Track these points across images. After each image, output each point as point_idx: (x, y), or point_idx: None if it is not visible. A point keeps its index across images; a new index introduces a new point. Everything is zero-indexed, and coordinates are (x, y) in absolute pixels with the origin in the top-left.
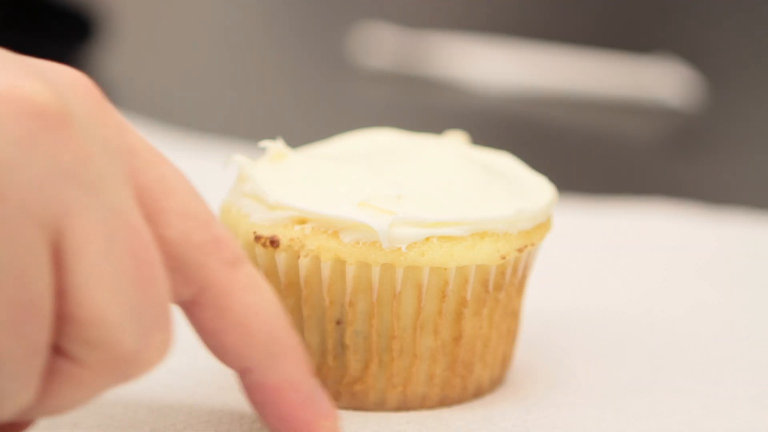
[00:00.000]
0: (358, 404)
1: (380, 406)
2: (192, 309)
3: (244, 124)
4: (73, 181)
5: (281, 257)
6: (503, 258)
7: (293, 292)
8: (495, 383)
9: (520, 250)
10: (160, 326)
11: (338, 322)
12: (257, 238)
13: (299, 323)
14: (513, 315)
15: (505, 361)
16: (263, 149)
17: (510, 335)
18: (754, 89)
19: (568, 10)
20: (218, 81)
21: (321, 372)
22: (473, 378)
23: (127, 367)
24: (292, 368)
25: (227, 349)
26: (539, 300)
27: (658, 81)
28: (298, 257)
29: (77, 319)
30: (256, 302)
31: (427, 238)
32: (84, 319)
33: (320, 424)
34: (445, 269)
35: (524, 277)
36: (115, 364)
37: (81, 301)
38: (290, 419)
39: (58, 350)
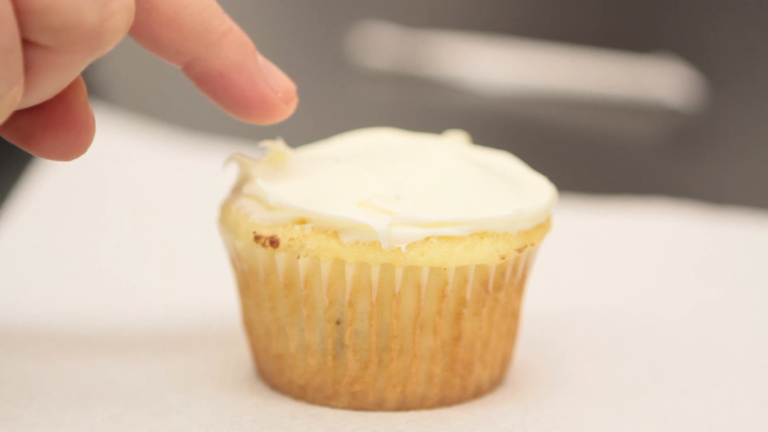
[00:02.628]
0: (358, 404)
1: (380, 406)
2: None
3: (244, 124)
4: None
5: (281, 257)
6: (503, 258)
7: (293, 292)
8: (495, 383)
9: (519, 250)
10: None
11: (338, 322)
12: (257, 238)
13: (299, 323)
14: (513, 315)
15: (505, 361)
16: (263, 149)
17: (510, 335)
18: (754, 89)
19: (568, 10)
20: None
21: (321, 372)
22: (473, 378)
23: (95, 41)
24: (231, 51)
25: (164, 46)
26: (539, 300)
27: (658, 81)
28: (298, 257)
29: (35, 10)
30: None
31: (427, 238)
32: (41, 8)
33: (273, 98)
34: (445, 269)
35: (524, 277)
36: (82, 40)
37: None
38: (243, 99)
39: (28, 44)
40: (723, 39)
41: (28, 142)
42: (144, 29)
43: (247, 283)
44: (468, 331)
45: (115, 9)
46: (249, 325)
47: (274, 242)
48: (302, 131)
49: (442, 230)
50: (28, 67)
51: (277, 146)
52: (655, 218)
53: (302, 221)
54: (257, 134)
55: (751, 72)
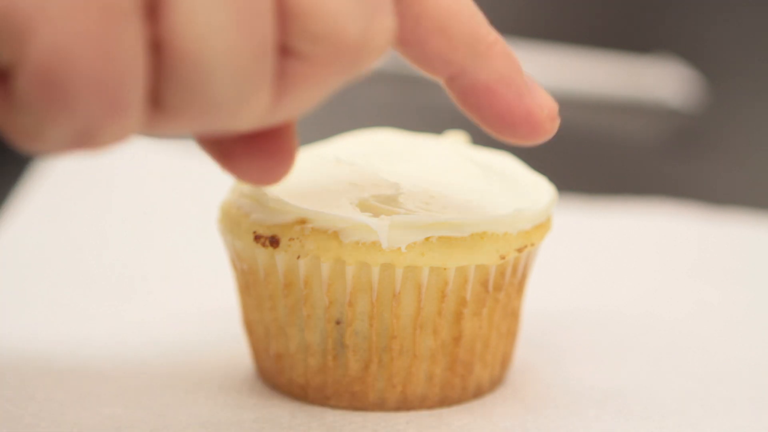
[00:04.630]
0: (358, 404)
1: (380, 406)
2: None
3: None
4: None
5: (281, 257)
6: (503, 258)
7: (293, 292)
8: (495, 383)
9: (519, 251)
10: (382, 11)
11: (338, 322)
12: (257, 238)
13: (299, 323)
14: (513, 315)
15: (505, 361)
16: None
17: (510, 335)
18: (754, 89)
19: (568, 10)
20: None
21: (321, 372)
22: (473, 378)
23: (354, 57)
24: (498, 64)
25: (431, 56)
26: (539, 300)
27: (658, 81)
28: (298, 257)
29: (299, 14)
30: (451, 4)
31: (427, 239)
32: (305, 13)
33: (540, 114)
34: (445, 269)
35: (524, 277)
36: (341, 55)
37: None
38: (508, 114)
39: (285, 51)
40: (723, 39)
41: (224, 160)
42: (412, 37)
43: (247, 283)
44: (468, 331)
45: (378, 27)
46: (249, 325)
47: (274, 242)
48: (302, 131)
49: (442, 230)
50: (281, 77)
51: None
52: (655, 218)
53: (302, 221)
54: None
55: (751, 72)
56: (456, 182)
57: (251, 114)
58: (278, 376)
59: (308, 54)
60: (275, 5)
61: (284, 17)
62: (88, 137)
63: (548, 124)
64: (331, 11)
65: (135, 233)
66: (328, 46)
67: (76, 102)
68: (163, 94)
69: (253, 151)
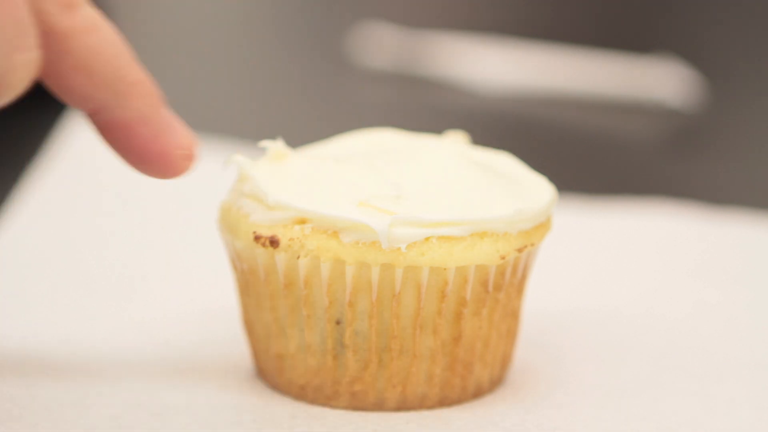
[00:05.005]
0: (358, 404)
1: (380, 406)
2: None
3: (244, 124)
4: None
5: (281, 257)
6: (503, 258)
7: (293, 292)
8: (495, 383)
9: (519, 250)
10: (22, 47)
11: (338, 322)
12: (257, 238)
13: (299, 323)
14: (513, 315)
15: (505, 361)
16: (263, 149)
17: (510, 335)
18: (754, 89)
19: (568, 10)
20: (218, 81)
21: (321, 372)
22: (473, 378)
23: None
24: (139, 104)
25: (71, 91)
26: (539, 300)
27: (658, 81)
28: (298, 257)
29: None
30: (95, 43)
31: (427, 238)
32: None
33: (174, 154)
34: (445, 269)
35: (524, 277)
36: None
37: None
38: (144, 153)
39: None
40: (723, 39)
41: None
42: (53, 72)
43: (247, 283)
44: (468, 331)
45: (19, 63)
46: (249, 325)
47: (274, 242)
48: (302, 131)
49: (442, 230)
50: None
51: (277, 146)
52: (655, 218)
53: (302, 221)
54: (257, 134)
55: (751, 72)
56: (456, 182)
57: None
58: (278, 376)
59: None
60: None
61: None
62: None
63: (181, 162)
64: None
65: (135, 233)
66: None
67: None
68: None
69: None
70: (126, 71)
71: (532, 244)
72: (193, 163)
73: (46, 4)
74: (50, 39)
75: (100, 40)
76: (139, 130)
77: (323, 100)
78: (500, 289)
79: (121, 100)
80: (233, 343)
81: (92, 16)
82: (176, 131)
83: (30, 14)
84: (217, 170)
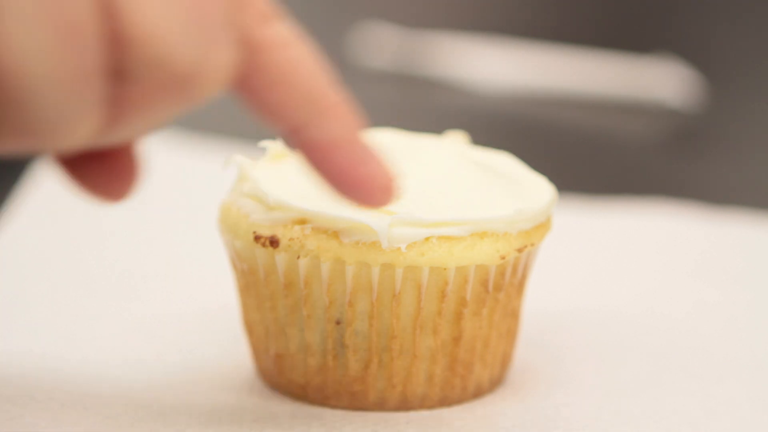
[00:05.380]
0: (358, 404)
1: (380, 406)
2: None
3: (244, 124)
4: None
5: (281, 257)
6: (503, 258)
7: (293, 292)
8: (495, 383)
9: (519, 250)
10: (218, 42)
11: (338, 322)
12: (257, 238)
13: (299, 323)
14: (513, 315)
15: (505, 361)
16: (263, 149)
17: (510, 335)
18: (754, 89)
19: (568, 10)
20: None
21: (321, 372)
22: (473, 378)
23: (187, 86)
24: (336, 127)
25: (269, 108)
26: (539, 300)
27: (658, 81)
28: (298, 257)
29: (131, 39)
30: (292, 59)
31: (427, 238)
32: (138, 38)
33: (371, 185)
34: (445, 269)
35: (524, 277)
36: (174, 82)
37: (133, 18)
38: (342, 177)
39: (119, 75)
40: (723, 39)
41: (72, 176)
42: (250, 86)
43: (247, 283)
44: (468, 331)
45: (214, 59)
46: (249, 325)
47: (274, 242)
48: None
49: (442, 230)
50: (114, 102)
51: (277, 146)
52: (655, 218)
53: (302, 221)
54: (257, 134)
55: (751, 72)
56: (456, 182)
57: (77, 135)
58: (278, 376)
59: (140, 79)
60: (106, 29)
61: (117, 42)
62: None
63: (380, 195)
64: (164, 37)
65: (135, 233)
66: (159, 72)
67: None
68: None
69: (97, 169)
70: (324, 90)
71: (532, 244)
72: (393, 199)
73: (245, 14)
74: (248, 51)
75: (298, 55)
76: (337, 154)
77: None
78: (500, 289)
79: (319, 120)
80: (233, 343)
81: (289, 31)
82: (372, 162)
83: (229, 14)
84: (217, 170)
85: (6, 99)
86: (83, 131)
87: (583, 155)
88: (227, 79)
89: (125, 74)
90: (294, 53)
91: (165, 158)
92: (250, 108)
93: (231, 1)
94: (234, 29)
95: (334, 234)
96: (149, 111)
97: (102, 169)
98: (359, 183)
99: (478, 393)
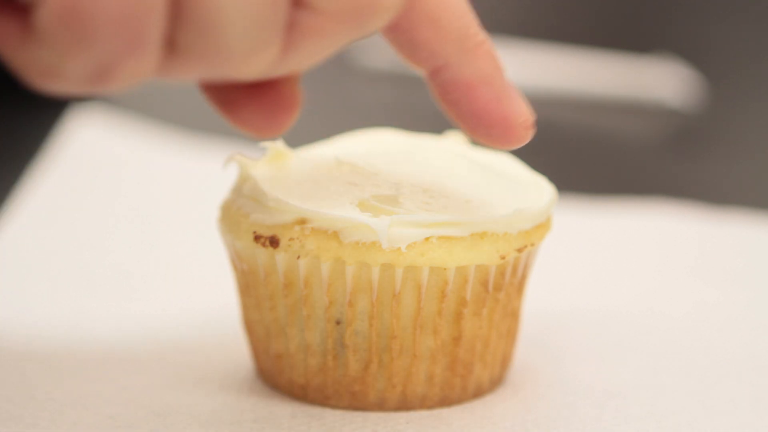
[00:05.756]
0: (358, 404)
1: (380, 406)
2: None
3: None
4: None
5: (281, 257)
6: (503, 258)
7: (293, 291)
8: (495, 383)
9: (519, 250)
10: None
11: (338, 322)
12: (257, 238)
13: (299, 323)
14: (513, 315)
15: (505, 361)
16: (263, 149)
17: (510, 335)
18: (754, 89)
19: (568, 10)
20: None
21: (321, 372)
22: (473, 378)
23: (365, 14)
24: (484, 63)
25: (420, 46)
26: (539, 300)
27: (658, 81)
28: (298, 257)
29: None
30: None
31: (427, 238)
32: None
33: (515, 120)
34: (445, 269)
35: (524, 277)
36: (353, 10)
37: None
38: (485, 114)
39: (298, 3)
40: (723, 39)
41: (226, 108)
42: (403, 24)
43: (247, 283)
44: (468, 331)
45: None
46: (249, 325)
47: (274, 242)
48: (302, 131)
49: (442, 230)
50: (291, 29)
51: (277, 146)
52: (655, 218)
53: (302, 221)
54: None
55: (751, 72)
56: (456, 182)
57: (260, 63)
58: (278, 376)
59: (321, 7)
60: None
61: None
62: (105, 74)
63: (522, 131)
64: None
65: (135, 233)
66: (340, 0)
67: (97, 36)
68: (179, 38)
69: (256, 101)
70: (473, 29)
71: (532, 244)
72: (531, 134)
73: None
74: None
75: None
76: (483, 90)
77: (323, 100)
78: (500, 289)
79: (467, 57)
80: (233, 343)
81: None
82: (518, 99)
83: None
84: (217, 170)
85: (200, 25)
86: (266, 58)
87: (583, 155)
88: (399, 8)
89: (305, 2)
90: None
91: (165, 158)
92: (398, 47)
93: None
94: None
95: (334, 234)
96: (324, 39)
97: (261, 103)
98: (501, 120)
99: (478, 393)
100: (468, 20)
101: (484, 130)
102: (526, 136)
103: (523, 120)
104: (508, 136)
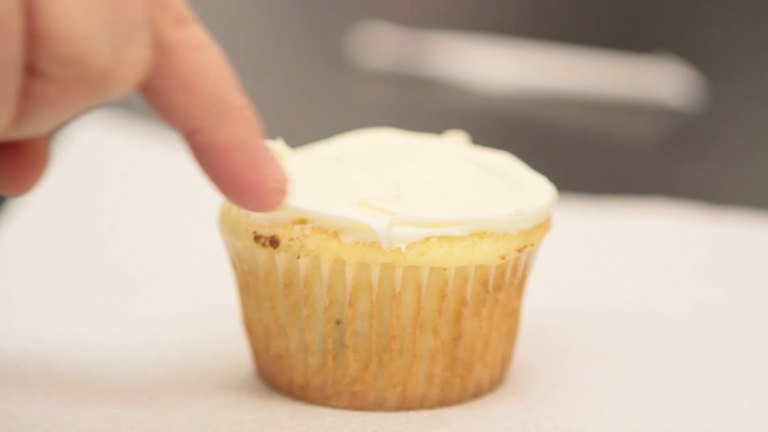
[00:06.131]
0: (358, 404)
1: (380, 406)
2: None
3: None
4: None
5: (281, 257)
6: (503, 258)
7: (293, 291)
8: (495, 383)
9: (519, 250)
10: (133, 42)
11: (338, 322)
12: (257, 238)
13: (299, 323)
14: (513, 315)
15: (505, 361)
16: None
17: (510, 335)
18: (754, 89)
19: (568, 10)
20: None
21: (321, 372)
22: (473, 378)
23: (100, 84)
24: (238, 129)
25: (173, 109)
26: (539, 300)
27: (658, 81)
28: (298, 257)
29: (48, 36)
30: (202, 62)
31: (427, 238)
32: (55, 35)
33: (268, 186)
34: (445, 269)
35: (524, 277)
36: (87, 80)
37: (51, 16)
38: (238, 179)
39: (31, 70)
40: (723, 39)
41: None
42: (156, 87)
43: (247, 283)
44: (468, 331)
45: (128, 58)
46: (249, 325)
47: (274, 242)
48: (302, 131)
49: (442, 230)
50: (25, 97)
51: (277, 146)
52: (655, 218)
53: (302, 221)
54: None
55: (751, 72)
56: (456, 182)
57: None
58: (278, 376)
59: (54, 76)
60: (23, 24)
61: (33, 37)
62: None
63: (274, 197)
64: (81, 36)
65: (135, 233)
66: (74, 70)
67: None
68: None
69: (2, 162)
70: (229, 94)
71: (532, 244)
72: (284, 201)
73: (159, 16)
74: (158, 52)
75: (206, 59)
76: (236, 156)
77: (323, 100)
78: (500, 289)
79: (222, 123)
80: (233, 343)
81: (201, 34)
82: (271, 163)
83: (145, 15)
84: None
85: None
86: None
87: (583, 155)
88: (139, 78)
89: (39, 70)
90: (202, 56)
91: (165, 158)
92: (152, 108)
93: (148, 1)
94: (149, 29)
95: (334, 234)
96: (60, 106)
97: (7, 161)
98: (254, 185)
99: (478, 393)
100: (225, 85)
101: (237, 194)
102: (279, 201)
103: (276, 185)
104: (260, 200)
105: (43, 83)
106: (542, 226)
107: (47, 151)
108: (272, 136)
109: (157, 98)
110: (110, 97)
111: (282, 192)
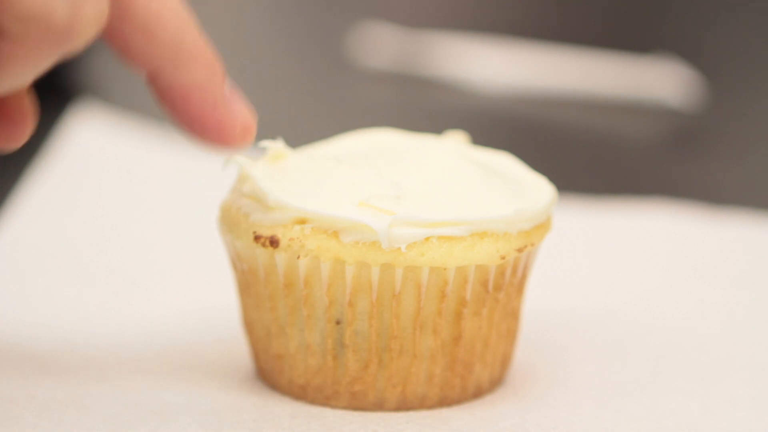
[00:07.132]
0: (358, 404)
1: (379, 406)
2: None
3: None
4: None
5: (281, 257)
6: (503, 258)
7: (293, 291)
8: (494, 383)
9: (519, 250)
10: None
11: (338, 322)
12: (257, 238)
13: (299, 323)
14: (513, 315)
15: (505, 361)
16: (263, 149)
17: (510, 335)
18: (754, 89)
19: (568, 10)
20: None
21: (321, 372)
22: (473, 378)
23: (61, 39)
24: (197, 71)
25: (132, 53)
26: (539, 300)
27: (658, 81)
28: (298, 257)
29: None
30: (159, 8)
31: (427, 238)
32: None
33: (231, 125)
34: (445, 269)
35: (524, 277)
36: (48, 36)
37: None
38: (199, 120)
39: None
40: (723, 39)
41: None
42: (115, 33)
43: (247, 283)
44: (468, 331)
45: (87, 11)
46: (249, 325)
47: (274, 242)
48: (302, 131)
49: (442, 230)
50: None
51: (277, 146)
52: (655, 218)
53: (302, 221)
54: (257, 134)
55: (751, 72)
56: (456, 182)
57: None
58: (278, 376)
59: (16, 34)
60: None
61: None
62: None
63: (238, 137)
64: None
65: (135, 233)
66: (35, 27)
67: None
68: None
69: None
70: (187, 38)
71: (532, 244)
72: (252, 138)
73: None
74: (116, 1)
75: (164, 6)
76: (196, 97)
77: (323, 100)
78: (500, 289)
79: (180, 65)
80: (233, 343)
81: None
82: (236, 104)
83: None
84: (217, 170)
85: None
86: None
87: (583, 155)
88: (100, 28)
89: (2, 29)
90: (161, 4)
91: (165, 158)
92: (114, 52)
93: None
94: None
95: (334, 234)
96: (27, 62)
97: None
98: (216, 125)
99: (478, 393)
100: (183, 30)
101: (200, 135)
102: (244, 140)
103: (242, 124)
104: (223, 140)
105: (7, 42)
106: (542, 226)
107: (30, 103)
108: (272, 136)
109: (117, 43)
110: (75, 48)
111: (247, 132)
